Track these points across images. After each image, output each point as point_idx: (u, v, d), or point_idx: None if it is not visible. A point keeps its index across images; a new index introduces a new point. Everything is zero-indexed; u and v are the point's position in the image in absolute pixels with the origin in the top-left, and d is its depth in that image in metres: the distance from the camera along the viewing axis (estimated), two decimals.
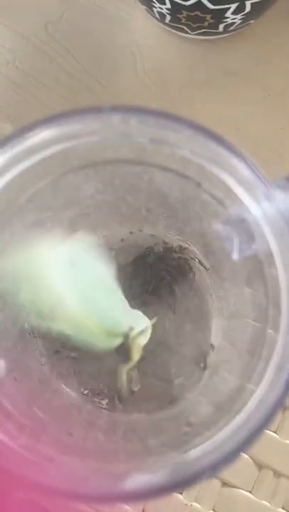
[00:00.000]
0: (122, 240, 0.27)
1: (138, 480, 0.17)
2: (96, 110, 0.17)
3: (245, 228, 0.18)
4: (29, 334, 0.25)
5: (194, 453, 0.18)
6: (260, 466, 0.28)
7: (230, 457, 0.17)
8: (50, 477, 0.17)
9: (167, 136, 0.18)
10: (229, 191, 0.18)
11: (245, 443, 0.17)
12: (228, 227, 0.19)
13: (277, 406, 0.17)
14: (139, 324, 0.24)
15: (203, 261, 0.26)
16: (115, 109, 0.17)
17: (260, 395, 0.18)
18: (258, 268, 0.18)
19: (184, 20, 0.31)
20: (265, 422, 0.17)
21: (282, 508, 0.27)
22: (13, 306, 0.24)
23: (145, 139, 0.18)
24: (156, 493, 0.16)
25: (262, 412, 0.17)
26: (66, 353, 0.26)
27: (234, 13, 0.30)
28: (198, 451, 0.18)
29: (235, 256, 0.19)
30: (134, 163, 0.20)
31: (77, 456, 0.19)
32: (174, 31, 0.34)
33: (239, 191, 0.18)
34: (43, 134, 0.18)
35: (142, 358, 0.26)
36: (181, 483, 0.17)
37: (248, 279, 0.21)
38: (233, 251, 0.19)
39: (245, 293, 0.21)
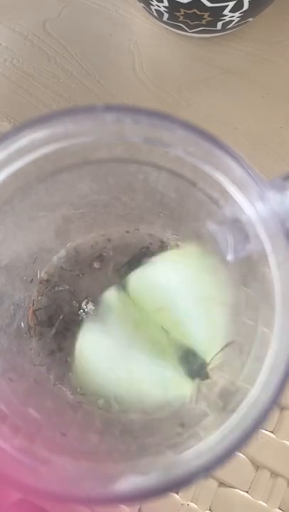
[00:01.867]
0: (119, 239, 0.27)
1: (132, 481, 0.17)
2: (90, 109, 0.17)
3: (239, 228, 0.18)
4: (25, 334, 0.25)
5: (188, 453, 0.17)
6: (256, 466, 0.28)
7: (224, 457, 0.17)
8: (43, 479, 0.17)
9: (161, 136, 0.18)
10: (224, 191, 0.18)
11: (240, 443, 0.17)
12: (222, 227, 0.19)
13: (272, 405, 0.17)
14: None
15: None
16: (109, 108, 0.17)
17: (254, 394, 0.18)
18: (253, 268, 0.18)
19: (181, 18, 0.31)
20: (260, 421, 0.17)
21: (279, 508, 0.27)
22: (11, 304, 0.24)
23: (139, 139, 0.18)
24: (151, 495, 0.16)
25: (256, 412, 0.17)
26: (62, 353, 0.26)
27: (232, 10, 0.30)
28: (192, 452, 0.17)
29: (230, 256, 0.19)
30: (128, 162, 0.19)
31: (71, 457, 0.18)
32: (172, 29, 0.34)
33: (233, 191, 0.18)
34: (37, 134, 0.18)
35: None
36: (175, 484, 0.17)
37: (242, 279, 0.21)
38: (228, 251, 0.19)
39: (240, 292, 0.21)
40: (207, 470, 0.16)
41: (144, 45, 0.35)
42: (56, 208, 0.23)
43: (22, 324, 0.25)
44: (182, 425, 0.20)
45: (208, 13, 0.30)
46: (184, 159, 0.18)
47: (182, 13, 0.30)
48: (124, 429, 0.23)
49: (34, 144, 0.18)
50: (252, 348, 0.19)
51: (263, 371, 0.18)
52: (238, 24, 0.32)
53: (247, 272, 0.19)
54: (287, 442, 0.28)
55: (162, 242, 0.27)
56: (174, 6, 0.30)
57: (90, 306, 0.26)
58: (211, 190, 0.19)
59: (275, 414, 0.28)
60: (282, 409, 0.28)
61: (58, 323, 0.26)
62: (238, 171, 0.17)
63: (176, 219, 0.25)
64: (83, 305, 0.26)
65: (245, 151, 0.17)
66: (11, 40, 0.35)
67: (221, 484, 0.28)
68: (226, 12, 0.30)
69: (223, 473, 0.28)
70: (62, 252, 0.27)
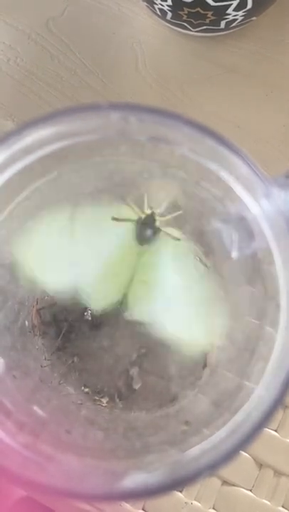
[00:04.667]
0: None
1: (136, 479, 0.17)
2: (94, 108, 0.17)
3: (244, 226, 0.18)
4: (29, 332, 0.25)
5: (193, 452, 0.17)
6: (260, 465, 0.28)
7: (228, 456, 0.17)
8: (48, 476, 0.17)
9: (166, 134, 0.18)
10: (228, 189, 0.18)
11: (244, 442, 0.17)
12: (227, 225, 0.19)
13: (277, 404, 0.17)
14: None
15: (204, 259, 0.26)
16: (114, 106, 0.17)
17: (259, 393, 0.18)
18: (258, 266, 0.18)
19: (185, 17, 0.31)
20: (264, 420, 0.17)
21: (283, 506, 0.27)
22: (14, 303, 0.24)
23: (144, 137, 0.18)
24: (155, 492, 0.16)
25: (261, 411, 0.17)
26: (67, 351, 0.26)
27: (236, 9, 0.30)
28: (197, 450, 0.17)
29: (234, 254, 0.19)
30: (133, 160, 0.19)
31: (75, 454, 0.19)
32: (175, 28, 0.34)
33: (238, 189, 0.18)
34: (42, 132, 0.18)
35: (143, 356, 0.26)
36: (180, 482, 0.17)
37: (247, 277, 0.21)
38: (233, 249, 0.19)
39: (245, 291, 0.21)
40: (211, 468, 0.16)
41: (147, 43, 0.35)
42: (60, 206, 0.23)
43: (26, 323, 0.25)
44: (187, 423, 0.20)
45: (211, 12, 0.30)
46: (188, 157, 0.18)
47: (186, 12, 0.30)
48: (128, 427, 0.23)
49: (38, 143, 0.18)
50: (257, 346, 0.19)
51: (268, 370, 0.18)
52: (242, 23, 0.32)
53: (252, 270, 0.19)
54: None
55: None
56: (177, 5, 0.30)
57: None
58: (215, 189, 0.19)
59: (279, 413, 0.28)
60: (285, 408, 0.28)
61: (62, 321, 0.26)
62: (242, 168, 0.17)
63: (181, 217, 0.25)
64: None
65: (248, 149, 0.17)
66: (14, 39, 0.36)
67: (225, 483, 0.28)
68: (229, 11, 0.30)
69: (226, 471, 0.28)
70: None
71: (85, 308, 0.26)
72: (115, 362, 0.26)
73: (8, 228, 0.20)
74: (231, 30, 0.33)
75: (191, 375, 0.25)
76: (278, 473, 0.28)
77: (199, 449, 0.18)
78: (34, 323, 0.26)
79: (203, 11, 0.30)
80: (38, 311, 0.26)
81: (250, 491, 0.27)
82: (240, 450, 0.17)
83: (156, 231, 0.22)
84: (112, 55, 0.35)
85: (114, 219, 0.22)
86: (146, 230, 0.22)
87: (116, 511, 0.27)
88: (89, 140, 0.18)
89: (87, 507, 0.26)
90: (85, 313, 0.26)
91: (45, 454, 0.18)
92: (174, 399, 0.25)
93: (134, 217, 0.22)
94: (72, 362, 0.26)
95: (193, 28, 0.32)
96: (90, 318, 0.26)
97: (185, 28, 0.33)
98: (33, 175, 0.19)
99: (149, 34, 0.35)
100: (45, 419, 0.20)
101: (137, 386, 0.26)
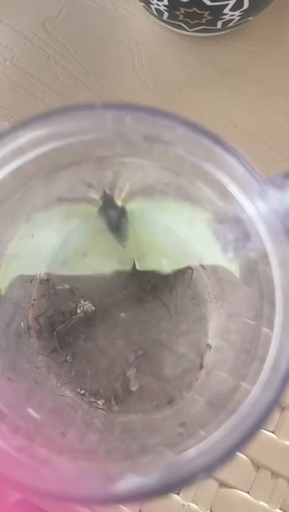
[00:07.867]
0: None
1: (132, 482, 0.17)
2: (89, 107, 0.17)
3: (240, 227, 0.18)
4: (25, 334, 0.25)
5: (189, 454, 0.17)
6: (257, 467, 0.28)
7: (225, 458, 0.17)
8: (43, 479, 0.17)
9: (161, 134, 0.17)
10: (224, 190, 0.18)
11: (241, 443, 0.17)
12: (223, 225, 0.19)
13: (273, 405, 0.17)
14: None
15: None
16: (108, 106, 0.17)
17: (255, 394, 0.18)
18: (254, 267, 0.18)
19: (181, 17, 0.31)
20: (261, 421, 0.17)
21: (280, 509, 0.27)
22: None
23: (139, 137, 0.18)
24: (151, 495, 0.16)
25: (258, 412, 0.17)
26: (62, 352, 0.26)
27: (232, 9, 0.30)
28: (193, 452, 0.17)
29: (230, 255, 0.18)
30: (128, 160, 0.19)
31: (71, 457, 0.18)
32: (172, 28, 0.34)
33: (234, 190, 0.18)
34: (36, 132, 0.18)
35: (140, 357, 0.26)
36: (176, 484, 0.17)
37: (244, 278, 0.20)
38: (229, 250, 0.18)
39: (242, 292, 0.21)
40: (208, 470, 0.16)
41: (143, 44, 0.35)
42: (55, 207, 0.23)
43: (22, 324, 0.25)
44: (183, 425, 0.20)
45: (208, 12, 0.30)
46: (184, 157, 0.18)
47: (182, 11, 0.30)
48: (124, 429, 0.23)
49: (33, 142, 0.18)
50: (253, 347, 0.19)
51: (264, 371, 0.18)
52: (239, 23, 0.32)
53: (247, 271, 0.19)
54: (288, 443, 0.28)
55: None
56: (174, 5, 0.30)
57: (89, 305, 0.26)
58: (211, 189, 0.19)
59: (276, 415, 0.28)
60: (283, 409, 0.28)
61: (58, 322, 0.26)
62: (238, 169, 0.17)
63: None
64: (83, 305, 0.26)
65: (245, 149, 0.17)
66: (11, 40, 0.35)
67: (222, 485, 0.27)
68: (226, 11, 0.30)
69: (223, 473, 0.27)
70: None
71: (80, 308, 0.26)
72: (112, 363, 0.26)
73: (1, 229, 0.20)
74: (228, 31, 0.33)
75: (188, 376, 0.25)
76: (276, 475, 0.27)
77: (195, 451, 0.17)
78: (30, 324, 0.26)
79: (200, 10, 0.30)
80: (34, 311, 0.26)
81: (248, 493, 0.27)
82: (236, 452, 0.17)
83: (120, 210, 0.22)
84: (108, 56, 0.35)
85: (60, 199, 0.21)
86: (110, 213, 0.22)
87: None
88: (84, 140, 0.18)
89: (84, 509, 0.26)
90: (78, 311, 0.26)
91: (40, 458, 0.18)
92: (170, 400, 0.25)
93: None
94: (69, 363, 0.26)
95: (190, 28, 0.32)
96: (83, 315, 0.26)
97: (182, 28, 0.33)
98: (28, 175, 0.19)
99: (146, 34, 0.35)
100: (40, 422, 0.20)
101: (134, 388, 0.26)
